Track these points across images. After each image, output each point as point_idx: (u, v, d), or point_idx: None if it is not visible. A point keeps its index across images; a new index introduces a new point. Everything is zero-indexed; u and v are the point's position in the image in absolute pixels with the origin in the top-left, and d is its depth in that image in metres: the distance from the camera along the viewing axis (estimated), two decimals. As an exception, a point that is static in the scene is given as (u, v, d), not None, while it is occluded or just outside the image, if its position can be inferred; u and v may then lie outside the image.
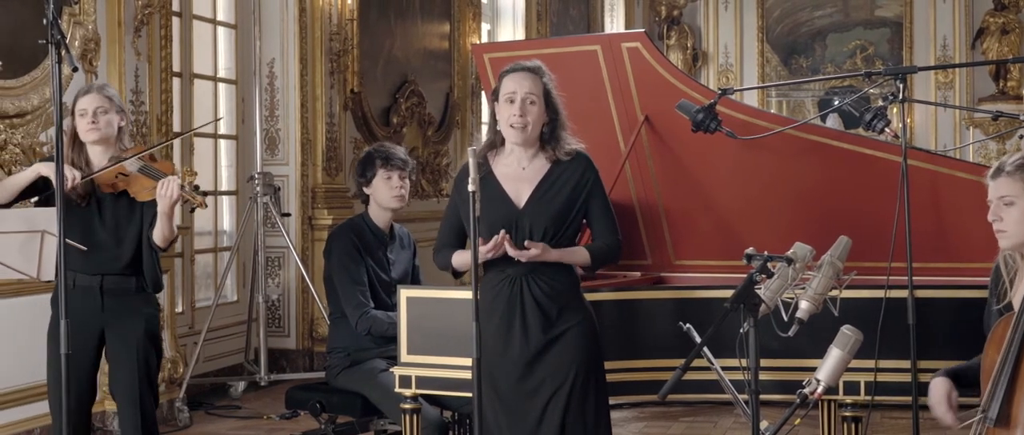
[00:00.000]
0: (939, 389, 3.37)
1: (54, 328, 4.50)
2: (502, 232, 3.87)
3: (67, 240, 3.96)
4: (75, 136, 4.53)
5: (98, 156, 4.52)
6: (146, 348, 4.55)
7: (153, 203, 4.45)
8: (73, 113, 4.55)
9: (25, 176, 4.46)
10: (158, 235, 4.46)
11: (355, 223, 5.24)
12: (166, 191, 4.34)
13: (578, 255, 3.99)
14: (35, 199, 4.56)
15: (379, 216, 5.24)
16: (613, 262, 4.21)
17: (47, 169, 4.41)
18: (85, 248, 4.44)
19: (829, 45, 16.36)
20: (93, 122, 4.47)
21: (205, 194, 4.46)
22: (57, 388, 4.39)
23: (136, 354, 4.52)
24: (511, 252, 3.84)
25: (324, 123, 8.91)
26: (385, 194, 5.17)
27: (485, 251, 3.85)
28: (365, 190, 5.23)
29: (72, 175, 4.34)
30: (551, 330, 3.91)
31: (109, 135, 4.50)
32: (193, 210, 4.38)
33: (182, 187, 4.34)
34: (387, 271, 5.19)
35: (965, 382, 3.51)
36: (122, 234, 4.48)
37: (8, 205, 4.45)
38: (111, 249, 4.48)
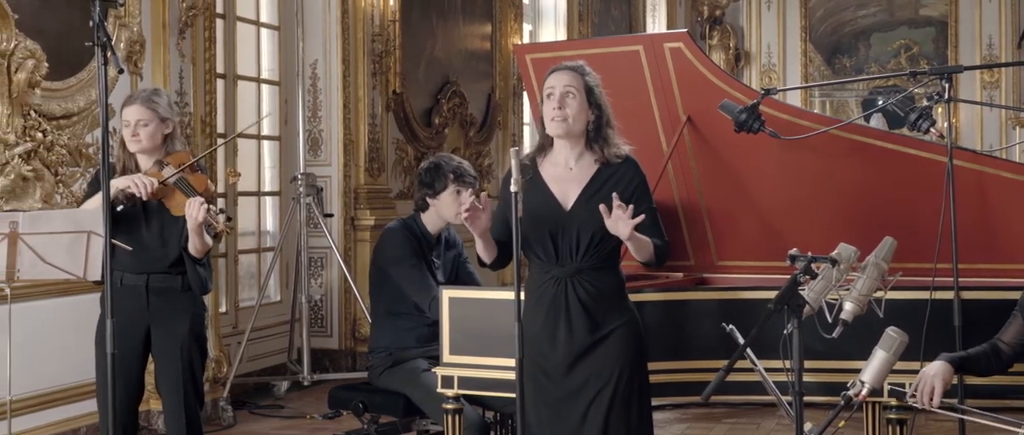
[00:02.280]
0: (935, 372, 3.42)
1: (102, 327, 4.55)
2: (479, 196, 3.89)
3: (113, 241, 4.00)
4: (123, 141, 4.59)
5: (145, 161, 4.56)
6: (190, 346, 4.59)
7: None
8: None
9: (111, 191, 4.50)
10: (191, 248, 4.50)
11: (407, 224, 5.24)
12: (192, 211, 4.36)
13: (647, 247, 3.97)
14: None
15: (434, 223, 5.22)
16: (661, 265, 4.19)
17: (120, 182, 4.44)
18: (131, 248, 4.49)
19: (873, 44, 16.25)
20: (134, 135, 4.52)
21: (229, 219, 4.46)
22: (105, 386, 4.44)
23: (180, 352, 4.56)
24: (622, 221, 3.79)
25: (366, 124, 8.94)
26: (452, 209, 5.11)
27: (464, 209, 3.86)
28: (429, 200, 5.19)
29: (142, 184, 4.38)
30: (596, 331, 3.90)
31: (151, 146, 4.54)
32: (216, 236, 4.39)
33: (208, 210, 4.36)
34: (433, 274, 5.19)
35: (970, 368, 3.58)
36: (167, 235, 4.52)
37: None
38: (157, 249, 4.53)
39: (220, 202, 7.44)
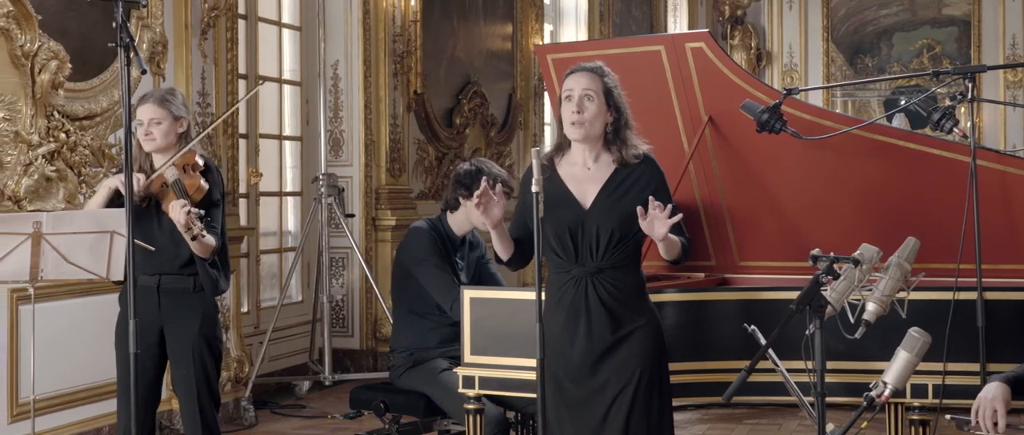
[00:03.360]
0: (993, 394, 3.33)
1: (120, 326, 4.58)
2: (495, 188, 3.89)
3: (136, 241, 4.01)
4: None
5: (159, 160, 4.58)
6: (201, 348, 4.59)
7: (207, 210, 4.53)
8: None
9: (100, 197, 4.53)
10: (193, 250, 4.50)
11: (433, 224, 5.24)
12: (174, 214, 4.36)
13: (677, 246, 3.95)
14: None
15: (461, 226, 5.22)
16: (682, 262, 4.18)
17: (117, 182, 4.48)
18: (153, 249, 4.51)
19: (895, 44, 16.19)
20: (147, 133, 4.54)
21: (202, 234, 4.41)
22: (125, 386, 4.46)
23: (192, 353, 4.58)
24: (659, 221, 3.78)
25: (388, 124, 8.95)
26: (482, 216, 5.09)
27: (477, 195, 3.87)
28: (462, 200, 5.18)
29: (140, 189, 4.42)
30: (617, 331, 3.90)
31: (165, 145, 4.56)
32: (194, 238, 4.37)
33: (189, 212, 4.33)
34: (457, 275, 5.19)
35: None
36: (178, 236, 4.53)
37: None
38: (168, 249, 4.54)
39: (241, 202, 7.46)
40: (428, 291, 5.11)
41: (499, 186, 3.96)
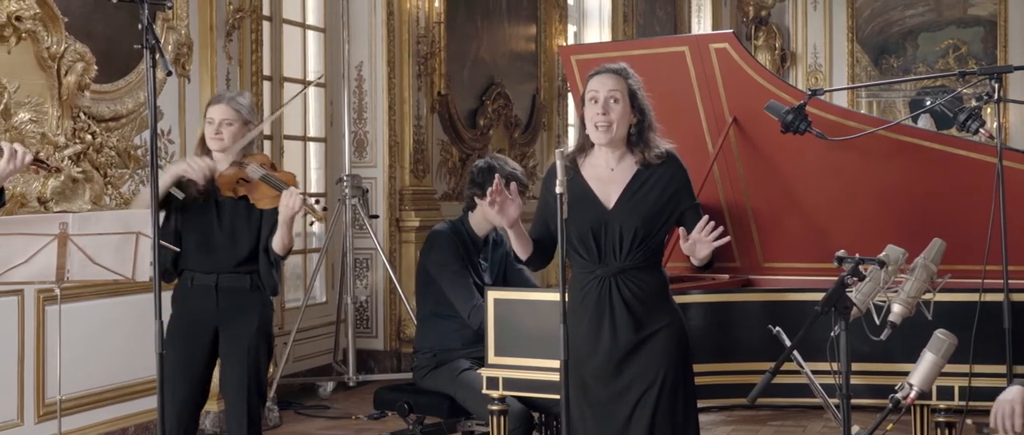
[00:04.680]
0: (1012, 396, 3.31)
1: (172, 322, 4.60)
2: (509, 186, 3.88)
3: (161, 242, 4.03)
4: (203, 139, 4.64)
5: (222, 161, 4.60)
6: (258, 346, 4.62)
7: (272, 210, 4.55)
8: (205, 117, 4.65)
9: (164, 177, 4.51)
10: (278, 243, 4.55)
11: (455, 226, 5.24)
12: (289, 202, 4.42)
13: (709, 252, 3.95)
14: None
15: (481, 226, 5.23)
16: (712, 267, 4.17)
17: (185, 167, 4.51)
18: (178, 249, 4.53)
19: (921, 44, 16.11)
20: (217, 133, 4.57)
21: (325, 209, 4.54)
22: (170, 385, 4.47)
23: (247, 353, 4.60)
24: (702, 243, 3.78)
25: (411, 125, 8.97)
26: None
27: (489, 193, 3.85)
28: (478, 200, 5.18)
29: (202, 170, 4.43)
30: (641, 331, 3.89)
31: (231, 147, 4.60)
32: (313, 223, 4.47)
33: (304, 200, 4.43)
34: (480, 276, 5.20)
35: None
36: (239, 235, 4.56)
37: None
38: (227, 249, 4.57)
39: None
40: (449, 298, 5.12)
41: (513, 184, 3.94)
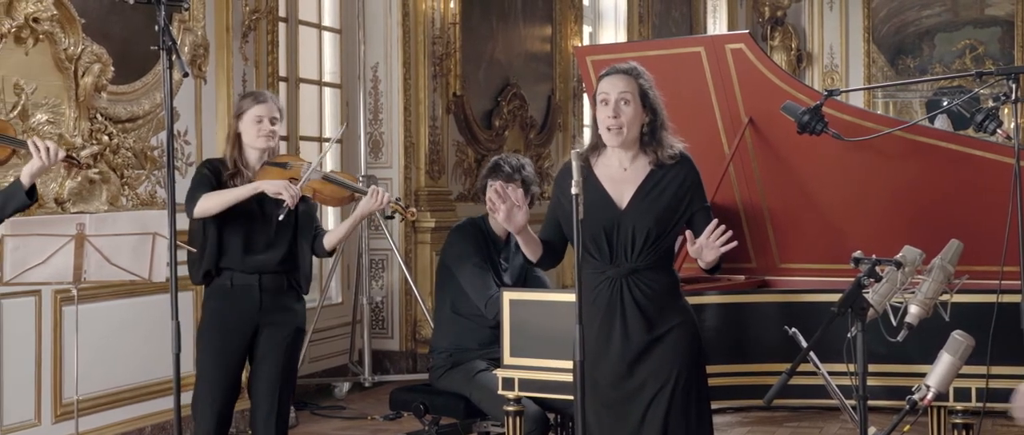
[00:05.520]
0: None
1: (210, 321, 4.62)
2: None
3: (180, 242, 4.04)
4: (237, 139, 4.62)
5: (255, 160, 4.61)
6: (294, 344, 4.67)
7: (311, 208, 4.63)
8: (239, 117, 4.62)
9: (244, 191, 4.50)
10: (334, 239, 4.64)
11: (476, 223, 5.26)
12: (377, 200, 4.53)
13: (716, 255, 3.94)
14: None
15: (499, 225, 5.23)
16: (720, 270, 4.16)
17: (268, 187, 4.49)
18: (194, 250, 4.54)
19: (937, 45, 16.07)
20: (270, 131, 4.58)
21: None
22: (209, 385, 4.49)
23: (284, 350, 4.64)
24: (709, 249, 3.77)
25: (427, 126, 8.97)
26: None
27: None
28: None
29: (290, 194, 4.44)
30: (653, 331, 3.88)
31: (276, 145, 4.63)
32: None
33: (390, 197, 4.53)
34: (500, 276, 5.20)
35: None
36: (279, 235, 4.58)
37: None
38: (270, 249, 4.59)
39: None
40: (466, 290, 5.13)
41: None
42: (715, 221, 3.77)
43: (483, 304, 5.05)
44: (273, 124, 4.59)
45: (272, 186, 4.46)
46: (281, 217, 4.49)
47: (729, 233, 3.74)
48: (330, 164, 8.75)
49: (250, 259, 4.56)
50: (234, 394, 4.68)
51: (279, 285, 4.63)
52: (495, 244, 5.23)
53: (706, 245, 3.75)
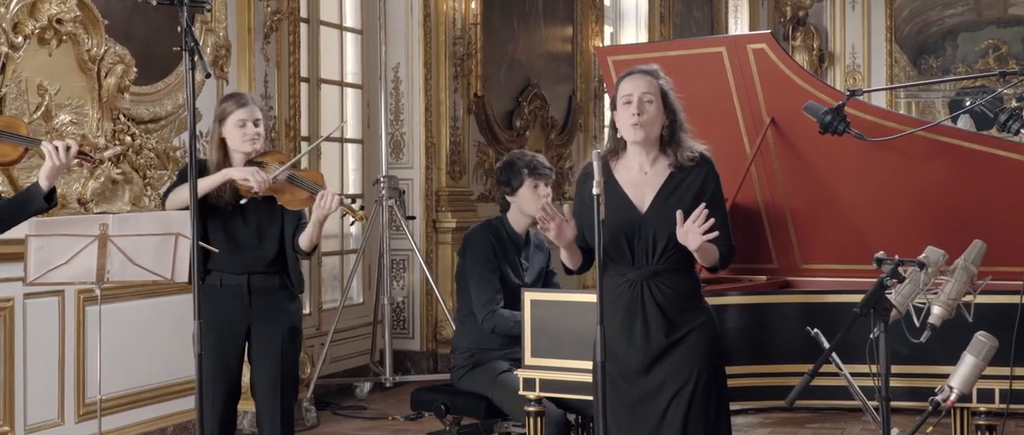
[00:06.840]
0: None
1: (204, 322, 4.62)
2: (555, 205, 3.87)
3: (201, 243, 4.05)
4: (222, 143, 4.63)
5: (239, 162, 4.63)
6: (289, 345, 4.67)
7: (299, 210, 4.60)
8: (221, 121, 4.63)
9: (213, 179, 4.53)
10: (306, 241, 4.61)
11: (493, 225, 5.26)
12: (326, 203, 4.48)
13: (713, 254, 3.94)
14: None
15: (519, 222, 5.24)
16: (722, 269, 4.14)
17: (235, 174, 4.52)
18: (217, 250, 4.56)
19: (960, 44, 15.99)
20: (256, 135, 4.60)
21: (362, 208, 4.61)
22: (208, 387, 4.50)
23: (280, 351, 4.64)
24: (693, 233, 3.77)
25: (448, 127, 8.98)
26: (533, 204, 5.08)
27: (553, 228, 3.86)
28: (508, 198, 5.20)
29: (258, 180, 4.46)
30: (673, 333, 3.88)
31: (261, 147, 4.64)
32: (352, 223, 4.52)
33: (341, 200, 4.48)
34: (520, 276, 5.20)
35: None
36: (264, 234, 4.60)
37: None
38: (255, 249, 4.61)
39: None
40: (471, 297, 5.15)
41: (567, 206, 3.94)
42: (702, 205, 3.76)
43: (482, 316, 5.06)
44: (256, 126, 4.60)
45: (240, 172, 4.50)
46: (244, 201, 4.50)
47: (711, 221, 3.72)
48: (351, 164, 8.77)
49: (237, 259, 4.58)
50: (235, 395, 4.69)
51: (270, 285, 4.64)
52: (515, 243, 5.23)
53: (689, 229, 3.75)
